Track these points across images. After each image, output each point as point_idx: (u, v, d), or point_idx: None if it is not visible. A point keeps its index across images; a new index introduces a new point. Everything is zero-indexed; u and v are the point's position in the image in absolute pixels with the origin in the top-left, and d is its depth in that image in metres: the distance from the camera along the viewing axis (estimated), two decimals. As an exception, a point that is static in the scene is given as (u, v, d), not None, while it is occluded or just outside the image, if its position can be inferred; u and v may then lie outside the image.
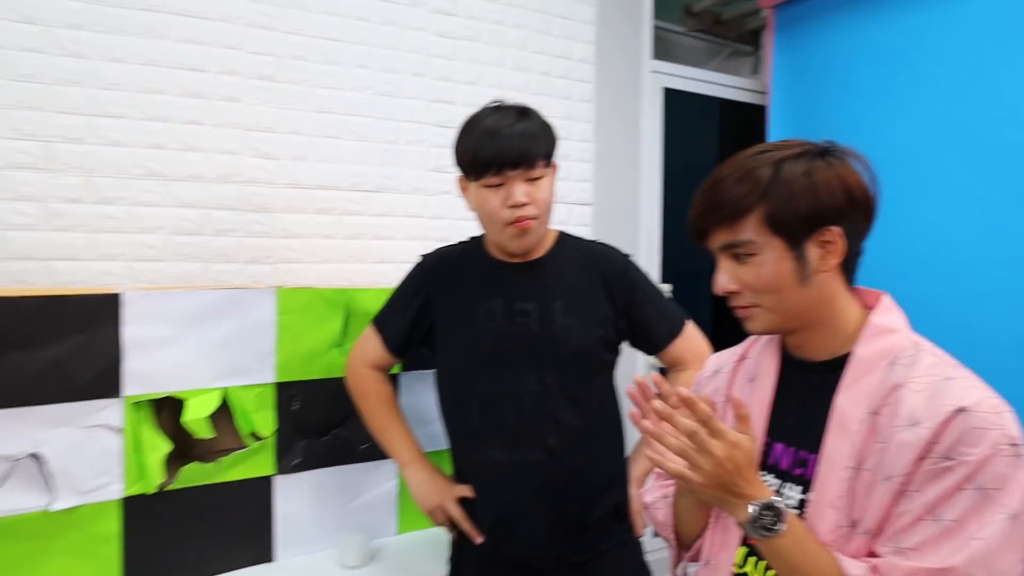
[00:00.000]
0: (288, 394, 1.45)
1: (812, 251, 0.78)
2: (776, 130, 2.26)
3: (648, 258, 2.23)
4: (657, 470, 1.04)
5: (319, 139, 1.64)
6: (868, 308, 0.83)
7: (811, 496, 0.78)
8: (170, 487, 1.36)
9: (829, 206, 0.77)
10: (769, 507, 0.74)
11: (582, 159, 2.05)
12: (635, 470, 1.31)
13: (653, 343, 1.30)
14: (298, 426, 1.46)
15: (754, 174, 0.78)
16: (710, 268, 0.86)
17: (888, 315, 0.81)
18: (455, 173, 1.26)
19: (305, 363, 1.45)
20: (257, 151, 1.56)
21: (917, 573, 0.68)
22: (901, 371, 0.75)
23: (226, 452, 1.40)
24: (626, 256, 1.31)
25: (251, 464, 1.42)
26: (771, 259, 0.79)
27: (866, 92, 1.98)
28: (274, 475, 1.45)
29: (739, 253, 0.80)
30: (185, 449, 1.40)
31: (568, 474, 1.20)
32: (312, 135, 1.63)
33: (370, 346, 1.36)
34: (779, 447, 0.84)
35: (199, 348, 1.37)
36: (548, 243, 1.27)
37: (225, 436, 1.41)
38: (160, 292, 1.36)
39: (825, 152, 0.80)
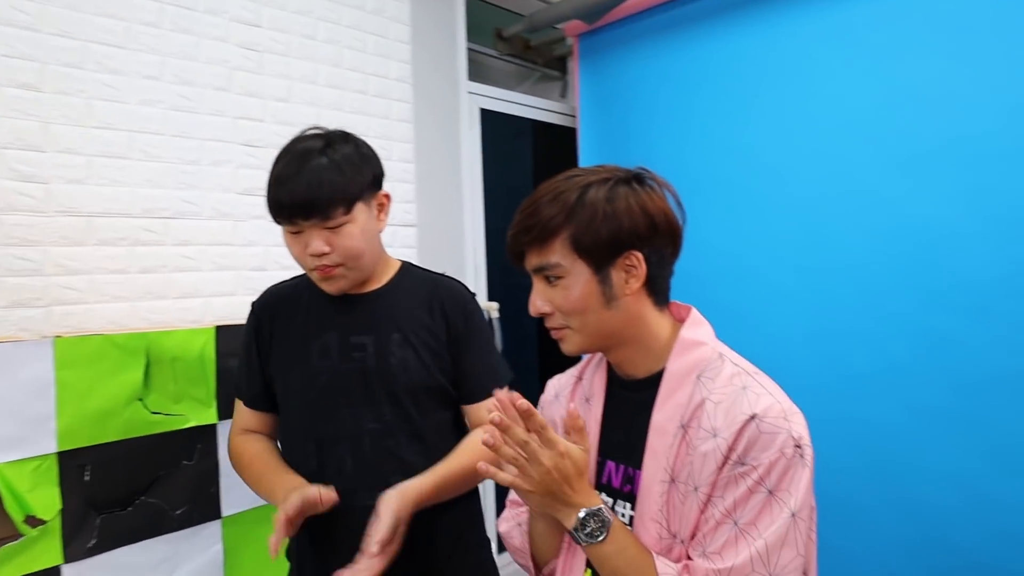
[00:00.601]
0: (76, 464, 1.20)
1: (616, 275, 0.80)
2: (585, 150, 2.40)
3: (475, 277, 2.23)
4: (510, 497, 1.02)
5: (101, 159, 1.41)
6: (681, 322, 0.88)
7: (636, 511, 0.81)
8: (-90, 601, 1.06)
9: (629, 232, 0.79)
10: (593, 514, 0.77)
11: (404, 180, 2.00)
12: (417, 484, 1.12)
13: (470, 391, 1.19)
14: (92, 500, 1.22)
15: (561, 198, 0.80)
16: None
17: (695, 329, 0.85)
18: None
19: (96, 425, 1.22)
20: (18, 173, 1.30)
21: (709, 574, 0.73)
22: (706, 384, 0.80)
23: (-8, 545, 1.13)
24: (472, 295, 1.25)
25: (29, 556, 1.15)
26: (578, 282, 0.80)
27: (662, 115, 2.18)
28: (63, 564, 1.19)
29: (549, 275, 0.82)
30: (-70, 549, 1.11)
31: (415, 518, 1.13)
32: (92, 154, 1.40)
33: (239, 413, 1.22)
34: (611, 465, 0.87)
35: (-54, 420, 1.09)
36: (389, 273, 1.20)
37: (-11, 525, 1.15)
38: None
39: (632, 179, 0.83)
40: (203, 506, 1.32)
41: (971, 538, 1.60)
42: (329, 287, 1.11)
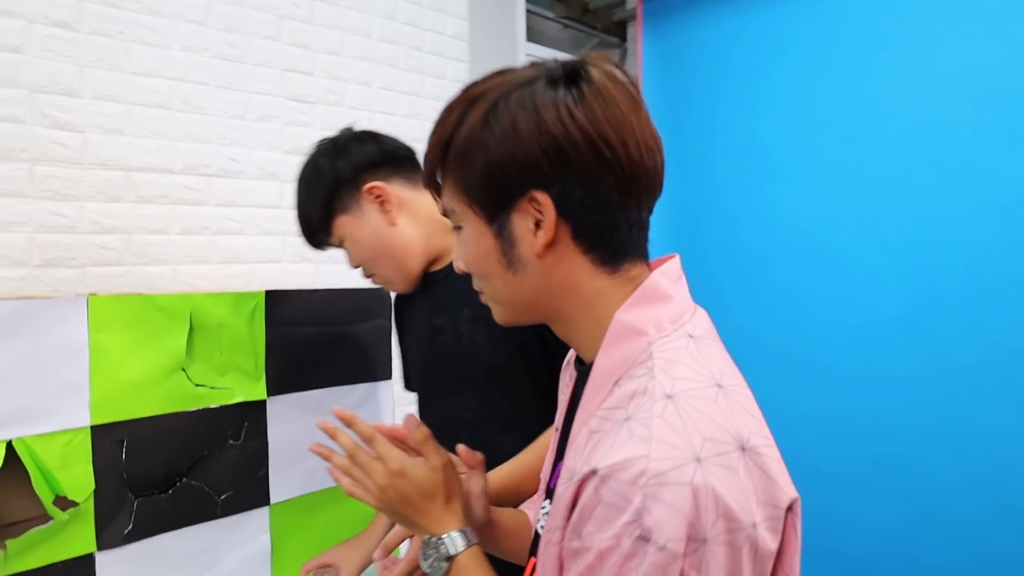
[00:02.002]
0: (112, 439, 1.06)
1: (518, 225, 0.56)
2: (648, 122, 2.23)
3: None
4: None
5: (139, 108, 1.29)
6: None
7: (549, 515, 0.60)
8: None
9: (516, 163, 0.54)
10: (432, 545, 0.65)
11: (459, 146, 1.85)
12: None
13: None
14: (129, 481, 1.08)
15: (445, 121, 0.58)
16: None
17: (636, 310, 0.57)
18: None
19: (135, 396, 1.08)
20: (53, 120, 1.18)
21: None
22: (609, 401, 0.56)
23: (19, 530, 1.00)
24: None
25: (59, 541, 1.02)
26: (472, 234, 0.59)
27: (735, 84, 2.00)
28: (96, 552, 1.05)
29: (454, 224, 0.62)
30: (-49, 531, 0.98)
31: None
32: (130, 103, 1.28)
33: None
34: (560, 465, 0.65)
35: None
36: None
37: (16, 506, 1.02)
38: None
39: (549, 80, 0.55)
40: (250, 491, 1.18)
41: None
42: (392, 290, 1.14)
